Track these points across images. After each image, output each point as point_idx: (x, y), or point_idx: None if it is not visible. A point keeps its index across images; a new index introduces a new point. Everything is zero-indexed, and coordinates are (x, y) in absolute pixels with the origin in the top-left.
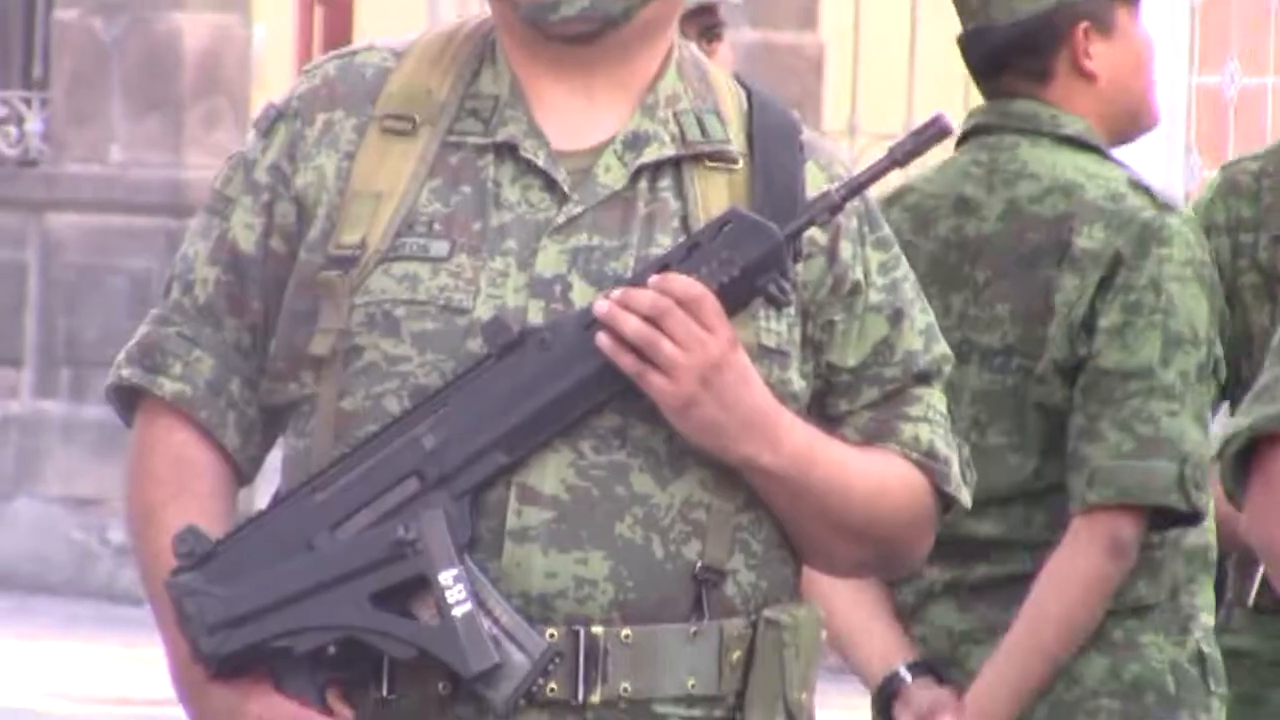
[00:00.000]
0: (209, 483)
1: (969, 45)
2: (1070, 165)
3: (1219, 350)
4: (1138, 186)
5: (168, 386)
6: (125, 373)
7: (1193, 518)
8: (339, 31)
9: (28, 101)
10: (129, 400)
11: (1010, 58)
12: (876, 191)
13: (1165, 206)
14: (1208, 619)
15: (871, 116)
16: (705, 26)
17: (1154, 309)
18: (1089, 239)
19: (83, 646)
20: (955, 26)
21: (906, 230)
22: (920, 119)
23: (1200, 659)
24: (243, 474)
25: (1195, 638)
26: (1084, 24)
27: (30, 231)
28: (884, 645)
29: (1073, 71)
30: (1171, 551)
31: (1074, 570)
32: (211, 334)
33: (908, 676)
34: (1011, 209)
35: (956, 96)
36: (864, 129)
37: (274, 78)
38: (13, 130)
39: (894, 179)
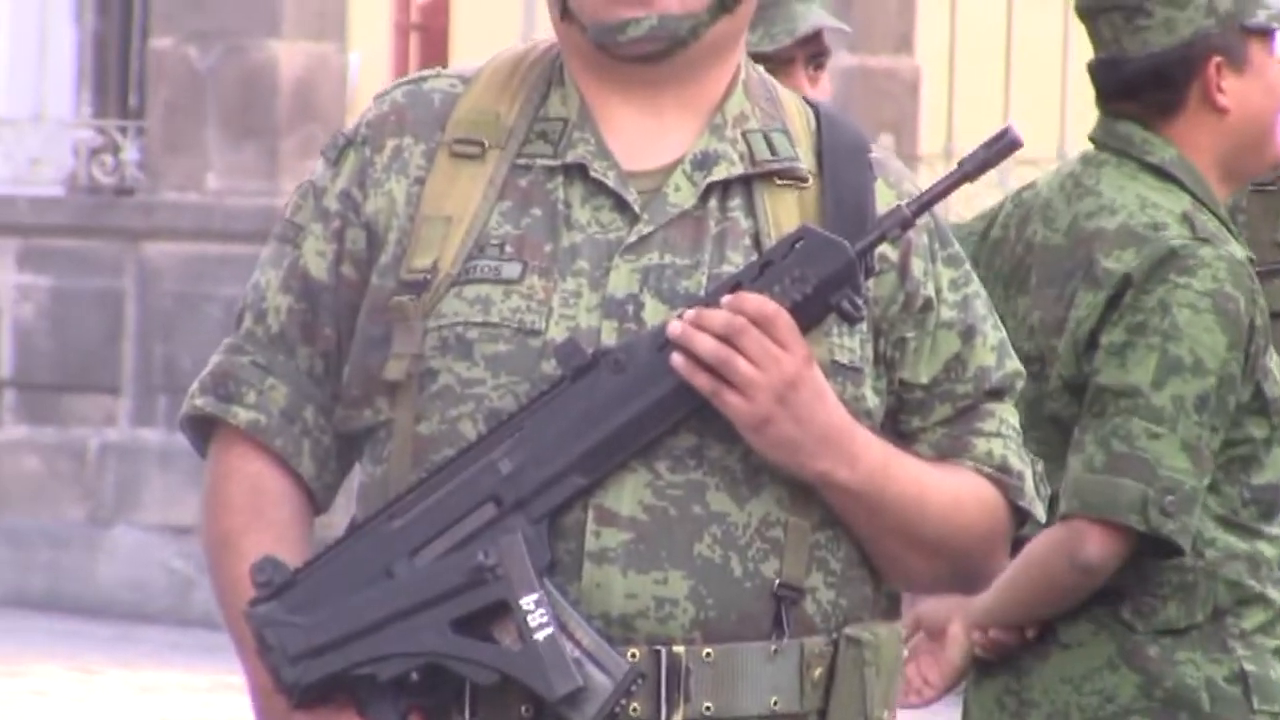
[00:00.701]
0: (285, 510)
1: (1100, 74)
2: (1135, 190)
3: (1274, 390)
4: (1188, 220)
5: (242, 415)
6: (199, 402)
7: (1165, 545)
8: (434, 58)
9: (124, 130)
10: (203, 430)
11: (1141, 89)
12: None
13: (1207, 240)
14: (1266, 640)
15: (968, 139)
16: (812, 54)
17: (1157, 331)
18: (1115, 261)
19: (183, 676)
20: (1050, 48)
21: (1011, 225)
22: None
23: (1242, 677)
24: (318, 502)
25: (1238, 655)
26: (1217, 58)
27: (127, 260)
28: None
29: (1203, 105)
30: (1206, 576)
31: (1044, 575)
32: (285, 362)
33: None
34: (1074, 224)
35: (1052, 117)
36: (961, 151)
37: None
38: (109, 159)
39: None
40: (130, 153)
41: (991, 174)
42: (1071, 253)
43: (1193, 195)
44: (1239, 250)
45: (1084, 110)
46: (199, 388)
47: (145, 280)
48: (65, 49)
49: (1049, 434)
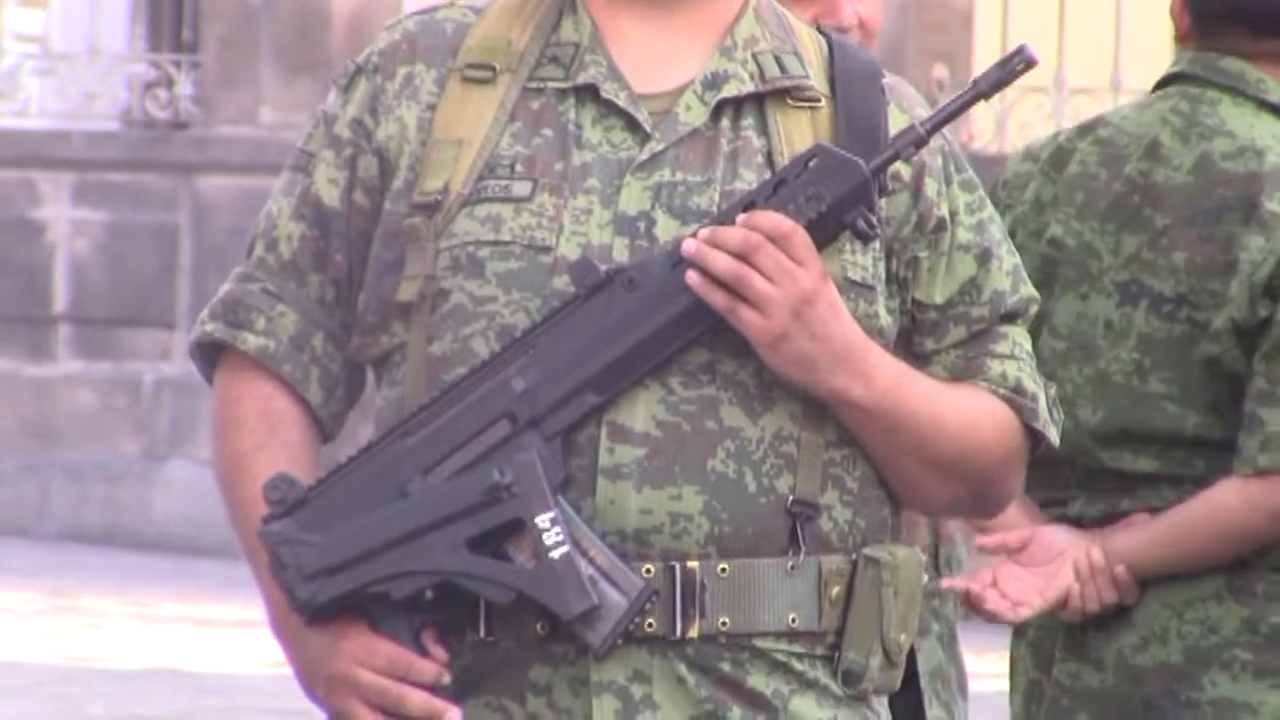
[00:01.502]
0: (296, 433)
1: (1220, 2)
2: (1269, 131)
3: None
4: None
5: (251, 341)
6: (209, 328)
7: None
8: None
9: (178, 65)
10: (212, 356)
11: (1243, 14)
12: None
13: None
14: None
15: None
16: None
17: None
18: (1279, 203)
19: (239, 610)
20: None
21: (1093, 163)
22: (1072, 71)
23: None
24: (325, 429)
25: None
26: None
27: (181, 194)
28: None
29: None
30: None
31: (1234, 526)
32: (295, 289)
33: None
34: (1204, 162)
35: (1108, 48)
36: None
37: None
38: (163, 93)
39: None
40: (184, 87)
41: (1045, 103)
42: (1209, 192)
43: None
44: None
45: (1137, 39)
46: (209, 314)
47: (200, 214)
48: None
49: (1195, 376)
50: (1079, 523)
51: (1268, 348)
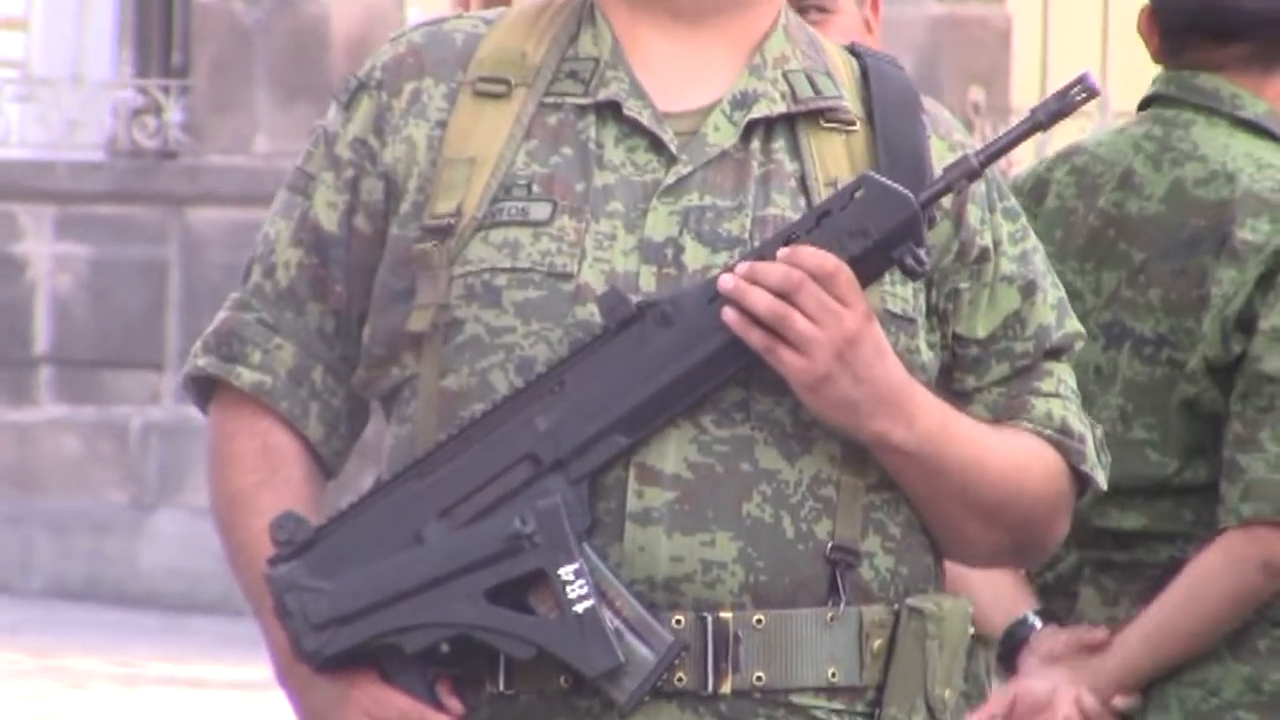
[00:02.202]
0: (300, 469)
1: (1186, 16)
2: (1242, 151)
3: None
4: None
5: (246, 376)
6: (201, 362)
7: None
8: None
9: (166, 90)
10: (206, 390)
11: (1254, 31)
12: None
13: None
14: None
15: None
16: None
17: None
18: (1251, 231)
19: (233, 671)
20: None
21: (1070, 195)
22: (1116, 93)
23: None
24: (327, 467)
25: None
26: None
27: (171, 228)
28: (1010, 593)
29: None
30: None
31: (1221, 585)
32: (293, 319)
33: (1036, 622)
34: (1176, 190)
35: (1153, 69)
36: None
37: None
38: (151, 121)
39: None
40: (174, 114)
41: (1087, 126)
42: (1182, 223)
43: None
44: None
45: None
46: (202, 346)
47: (190, 249)
48: (105, 4)
49: (1174, 420)
50: (1070, 581)
51: (1243, 387)
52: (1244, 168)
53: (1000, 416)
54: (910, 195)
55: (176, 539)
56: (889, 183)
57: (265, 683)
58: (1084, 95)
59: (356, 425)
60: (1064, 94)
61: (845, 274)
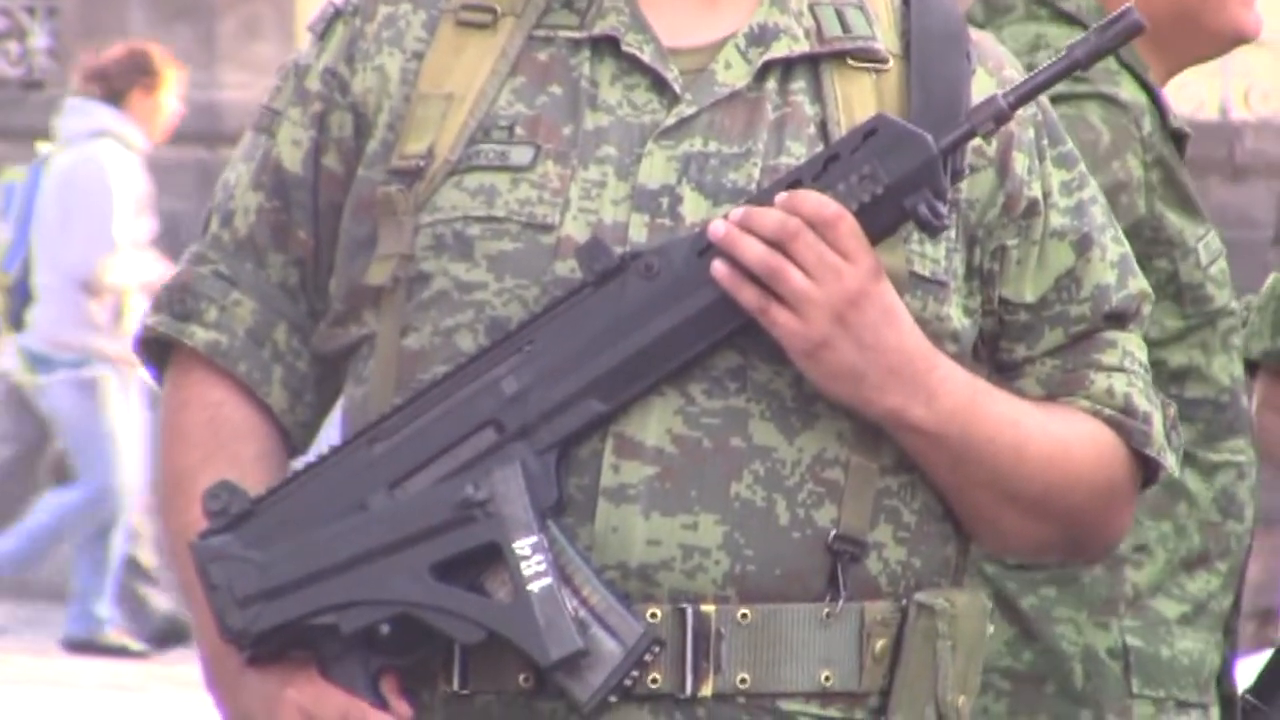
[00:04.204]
0: (252, 446)
1: None
2: (1034, 30)
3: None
4: (1120, 73)
5: (200, 336)
6: (152, 321)
7: None
8: None
9: (31, 11)
10: (160, 354)
11: None
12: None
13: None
14: (1165, 606)
15: None
16: None
17: None
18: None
19: None
20: None
21: None
22: None
23: (1124, 652)
24: (293, 440)
25: (1124, 625)
26: None
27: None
28: None
29: None
30: None
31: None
32: (253, 272)
33: None
34: None
35: None
36: None
37: None
38: (14, 47)
39: None
40: (39, 39)
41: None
42: None
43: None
44: (1129, 94)
45: None
46: (154, 303)
47: None
48: None
49: None
50: None
51: None
52: (1018, 49)
53: (1054, 392)
54: (928, 137)
55: None
56: (905, 124)
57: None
58: (1127, 31)
59: (326, 393)
60: (1105, 29)
61: (848, 223)
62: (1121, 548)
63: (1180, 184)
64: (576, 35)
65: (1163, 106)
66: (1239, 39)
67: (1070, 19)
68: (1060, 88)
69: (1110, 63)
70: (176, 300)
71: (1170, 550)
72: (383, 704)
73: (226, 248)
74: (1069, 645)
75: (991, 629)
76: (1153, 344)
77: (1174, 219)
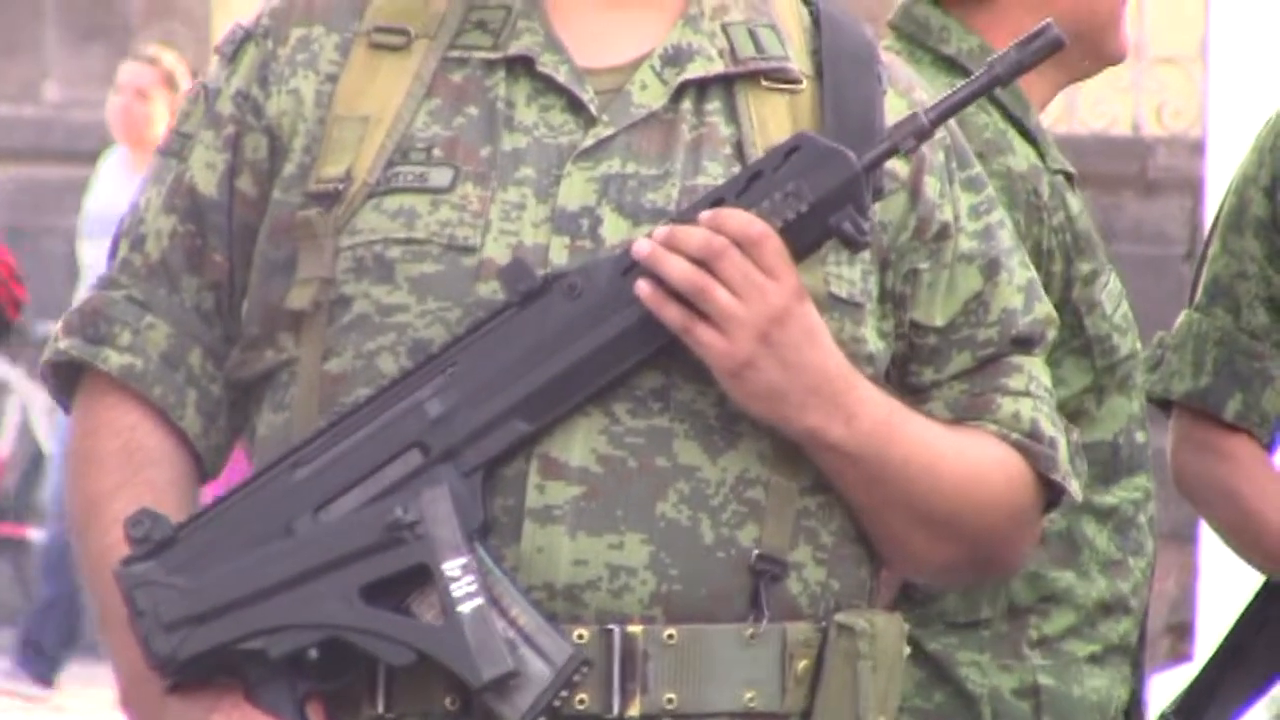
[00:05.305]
0: (166, 472)
1: None
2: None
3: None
4: (1006, 133)
5: (114, 360)
6: (63, 345)
7: None
8: None
9: None
10: (70, 379)
11: None
12: None
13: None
14: (1076, 646)
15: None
16: None
17: None
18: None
19: None
20: None
21: None
22: (1155, 36)
23: (1034, 691)
24: (204, 465)
25: (1033, 665)
26: None
27: None
28: None
29: None
30: None
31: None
32: (167, 296)
33: None
34: None
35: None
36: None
37: None
38: None
39: None
40: None
41: (1123, 74)
42: None
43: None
44: (1022, 159)
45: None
46: (64, 327)
47: None
48: None
49: None
50: None
51: None
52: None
53: (962, 416)
54: (851, 155)
55: None
56: (827, 141)
57: None
58: (1047, 47)
59: (239, 418)
60: (1025, 44)
61: (773, 242)
62: (1026, 599)
63: (1080, 233)
64: (491, 56)
65: (1045, 153)
66: (1118, 59)
67: (951, 63)
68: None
69: (996, 119)
70: (89, 324)
71: (1080, 598)
72: None
73: (138, 272)
74: (975, 687)
75: (908, 650)
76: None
77: (1083, 271)
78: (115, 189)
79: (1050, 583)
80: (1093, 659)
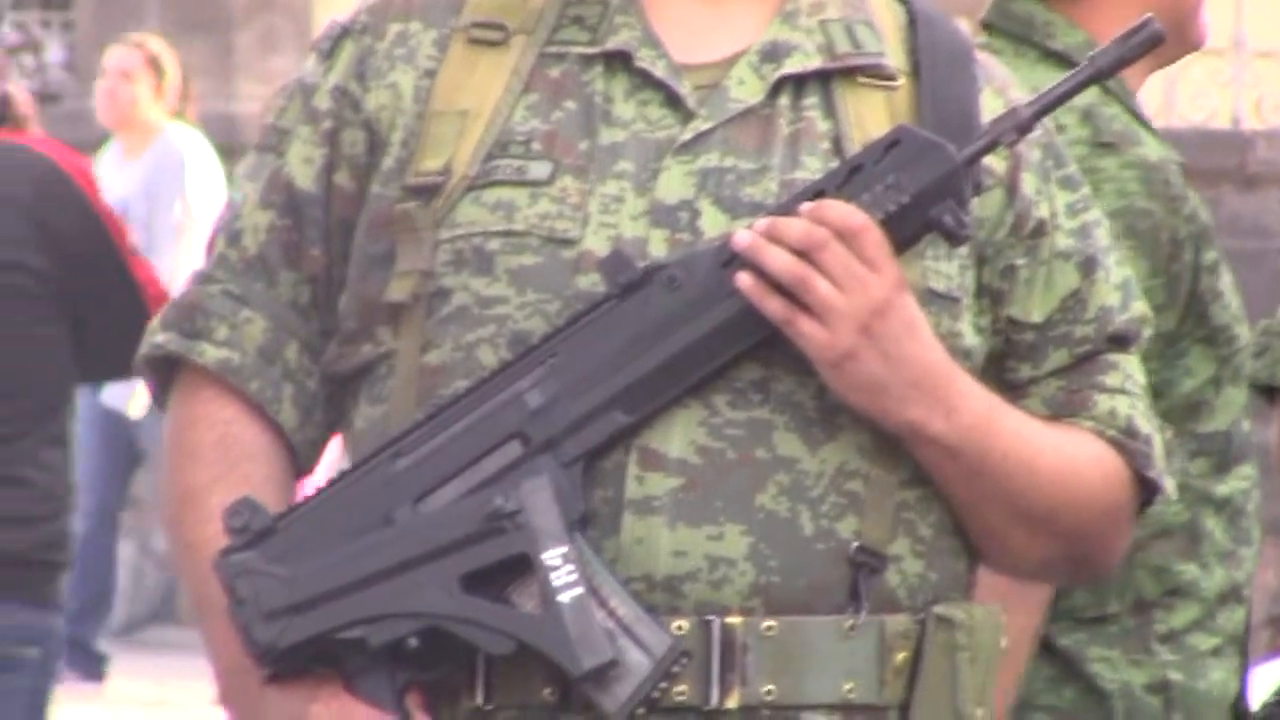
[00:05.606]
0: (263, 466)
1: None
2: (1032, 84)
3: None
4: (1090, 119)
5: (210, 354)
6: (160, 339)
7: None
8: None
9: (47, 24)
10: (165, 374)
11: None
12: None
13: (1111, 145)
14: (1200, 640)
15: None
16: None
17: None
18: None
19: None
20: None
21: None
22: (1253, 30)
23: (1164, 687)
24: (300, 459)
25: (1163, 660)
26: None
27: None
28: None
29: None
30: (1125, 564)
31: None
32: (264, 291)
33: None
34: None
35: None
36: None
37: None
38: (29, 60)
39: None
40: (54, 52)
41: (1222, 68)
42: None
43: (1103, 86)
44: (1154, 149)
45: None
46: (160, 322)
47: None
48: None
49: None
50: None
51: None
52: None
53: (1058, 413)
54: (951, 148)
55: None
56: (928, 135)
57: None
58: (1148, 41)
59: (334, 413)
60: (1126, 39)
61: (874, 233)
62: (1152, 593)
63: (1204, 223)
64: (588, 51)
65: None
66: (1198, 46)
67: (1060, 58)
68: (1094, 162)
69: (1120, 112)
70: (185, 318)
71: (1203, 591)
72: (408, 719)
73: (235, 267)
74: (1106, 683)
75: (1005, 642)
76: (1175, 383)
77: (1208, 260)
78: (111, 180)
79: (1176, 575)
80: (1214, 652)
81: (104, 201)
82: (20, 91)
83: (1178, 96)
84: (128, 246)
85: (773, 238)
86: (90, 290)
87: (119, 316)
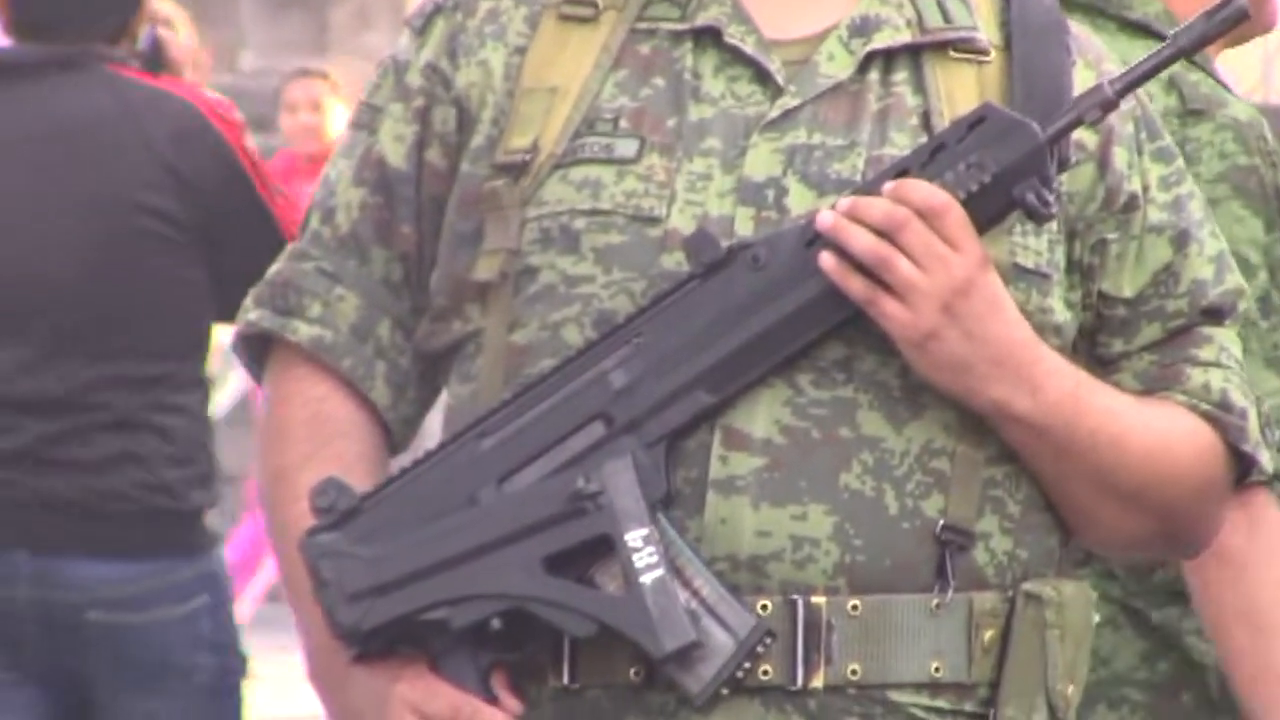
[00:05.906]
0: (355, 444)
1: None
2: (1120, 58)
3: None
4: (1175, 86)
5: (303, 331)
6: (253, 316)
7: None
8: None
9: None
10: (260, 351)
11: None
12: None
13: (1201, 112)
14: None
15: None
16: None
17: None
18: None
19: None
20: None
21: None
22: None
23: None
24: (394, 437)
25: None
26: None
27: None
28: None
29: None
30: None
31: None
32: (356, 268)
33: None
34: None
35: None
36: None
37: None
38: None
39: None
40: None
41: None
42: None
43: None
44: (1242, 108)
45: None
46: (254, 299)
47: None
48: None
49: None
50: None
51: None
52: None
53: (1151, 387)
54: (1035, 126)
55: None
56: (1011, 113)
57: None
58: (1232, 17)
59: (427, 390)
60: (1211, 15)
61: (956, 213)
62: None
63: None
64: (678, 27)
65: None
66: (1271, 28)
67: (1140, 28)
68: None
69: (1204, 78)
70: (279, 296)
71: None
72: (493, 699)
73: (328, 244)
74: (1202, 656)
75: (1097, 618)
76: None
77: None
78: None
79: None
80: None
81: (250, 150)
82: (173, 38)
83: (1275, 74)
84: (272, 191)
85: (855, 217)
86: (229, 239)
87: (262, 262)
